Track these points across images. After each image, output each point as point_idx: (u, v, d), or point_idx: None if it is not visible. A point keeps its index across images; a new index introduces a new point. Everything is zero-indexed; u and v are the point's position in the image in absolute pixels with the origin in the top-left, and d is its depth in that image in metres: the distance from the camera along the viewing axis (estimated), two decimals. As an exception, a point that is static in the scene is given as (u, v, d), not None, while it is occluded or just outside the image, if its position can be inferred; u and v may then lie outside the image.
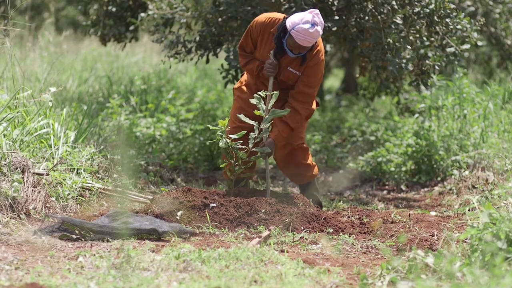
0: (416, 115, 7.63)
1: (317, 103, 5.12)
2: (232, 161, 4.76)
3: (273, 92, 4.69)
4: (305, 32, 4.60)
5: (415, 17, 5.81)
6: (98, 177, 5.25)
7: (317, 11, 4.71)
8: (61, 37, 9.90)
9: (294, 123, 4.90)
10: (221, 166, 4.93)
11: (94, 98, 8.33)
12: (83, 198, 4.83)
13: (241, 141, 4.71)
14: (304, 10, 5.79)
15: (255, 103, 4.66)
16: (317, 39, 4.69)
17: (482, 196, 5.02)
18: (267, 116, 4.70)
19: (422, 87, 6.13)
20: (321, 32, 4.68)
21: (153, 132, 7.24)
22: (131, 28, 7.28)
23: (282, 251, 3.96)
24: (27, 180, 4.48)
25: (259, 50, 4.90)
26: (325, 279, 3.41)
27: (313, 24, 4.64)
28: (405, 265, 3.30)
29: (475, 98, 6.78)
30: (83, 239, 4.03)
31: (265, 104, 4.70)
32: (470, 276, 3.02)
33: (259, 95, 4.67)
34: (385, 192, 6.34)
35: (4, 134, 4.81)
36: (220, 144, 4.66)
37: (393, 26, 5.73)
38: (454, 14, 5.90)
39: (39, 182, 4.55)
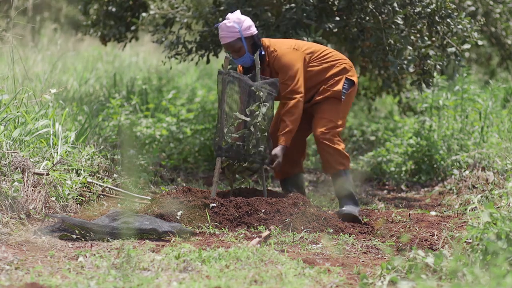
0: (417, 115, 7.63)
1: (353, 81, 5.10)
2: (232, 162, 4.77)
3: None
4: (218, 28, 4.90)
5: (416, 17, 5.80)
6: (98, 177, 5.25)
7: (238, 12, 4.96)
8: (62, 37, 9.90)
9: (289, 117, 4.89)
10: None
11: (95, 98, 8.33)
12: (83, 198, 4.82)
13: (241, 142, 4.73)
14: (305, 10, 5.79)
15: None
16: (227, 32, 4.87)
17: (482, 196, 5.01)
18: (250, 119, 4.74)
19: (424, 86, 6.13)
20: (231, 25, 4.86)
21: (153, 132, 7.24)
22: (132, 28, 7.28)
23: (282, 251, 3.96)
24: (27, 180, 4.48)
25: None
26: (325, 279, 3.41)
27: (225, 19, 4.89)
28: (405, 265, 3.30)
29: (476, 98, 6.78)
30: (83, 239, 4.03)
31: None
32: (470, 276, 3.02)
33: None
34: (385, 192, 6.34)
35: (4, 134, 4.81)
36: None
37: (393, 26, 5.73)
38: (455, 14, 5.90)
39: (39, 182, 4.55)
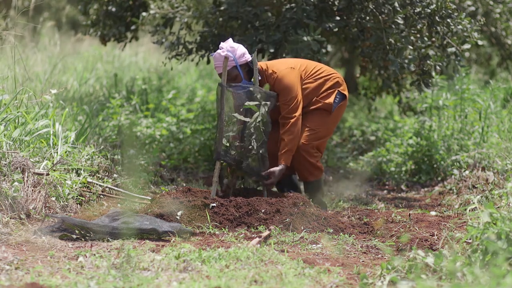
0: (417, 115, 7.63)
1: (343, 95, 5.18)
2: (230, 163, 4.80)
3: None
4: (213, 58, 4.96)
5: (416, 17, 5.80)
6: (98, 177, 5.25)
7: (230, 40, 5.00)
8: (62, 37, 9.90)
9: (288, 135, 4.96)
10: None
11: (95, 98, 8.33)
12: (83, 198, 4.82)
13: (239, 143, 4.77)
14: (305, 10, 5.79)
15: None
16: (219, 62, 4.92)
17: (482, 196, 5.01)
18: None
19: (424, 86, 6.13)
20: (225, 54, 4.89)
21: (153, 132, 7.24)
22: (132, 28, 7.28)
23: (282, 251, 3.96)
24: (27, 180, 4.48)
25: None
26: (325, 279, 3.41)
27: (219, 49, 4.94)
28: (405, 265, 3.30)
29: (476, 98, 6.78)
30: (83, 239, 4.03)
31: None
32: (470, 276, 3.02)
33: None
34: (385, 192, 6.34)
35: (4, 134, 4.81)
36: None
37: (393, 26, 5.73)
38: (455, 14, 5.90)
39: (39, 182, 4.55)
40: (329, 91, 5.15)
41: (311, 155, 5.11)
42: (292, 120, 4.98)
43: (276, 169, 4.93)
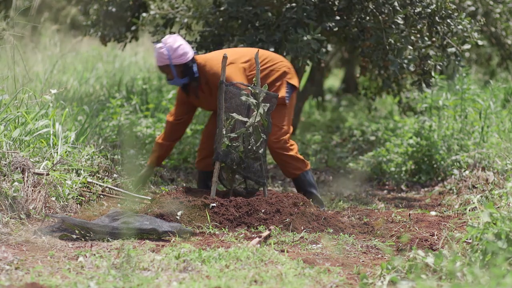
0: (417, 115, 7.63)
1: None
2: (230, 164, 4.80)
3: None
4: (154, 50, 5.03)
5: (417, 17, 5.80)
6: (98, 177, 5.25)
7: (176, 37, 5.04)
8: (62, 37, 9.90)
9: None
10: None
11: (95, 98, 8.33)
12: (83, 198, 4.82)
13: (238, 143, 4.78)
14: (305, 10, 5.79)
15: (244, 99, 4.75)
16: (158, 57, 4.98)
17: (482, 196, 5.01)
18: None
19: (424, 86, 6.13)
20: (162, 52, 4.96)
21: (153, 132, 7.24)
22: (132, 28, 7.28)
23: (282, 251, 3.96)
24: (27, 180, 4.48)
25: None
26: (325, 279, 3.41)
27: (162, 43, 5.00)
28: (405, 265, 3.30)
29: (476, 98, 6.78)
30: (83, 239, 4.03)
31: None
32: (470, 276, 3.02)
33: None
34: (385, 192, 6.34)
35: (4, 134, 4.81)
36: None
37: (394, 26, 5.73)
38: (455, 14, 5.90)
39: (39, 182, 4.55)
40: (277, 84, 5.14)
41: (287, 149, 5.14)
42: None
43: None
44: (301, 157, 5.20)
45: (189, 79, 5.07)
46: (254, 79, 4.97)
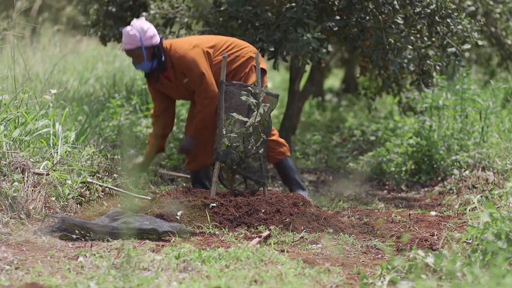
0: (417, 115, 7.63)
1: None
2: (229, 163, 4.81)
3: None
4: (122, 33, 5.05)
5: (416, 17, 5.80)
6: (98, 177, 5.25)
7: (143, 19, 5.08)
8: (62, 37, 9.90)
9: (200, 115, 5.09)
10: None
11: (95, 98, 8.33)
12: (83, 198, 4.83)
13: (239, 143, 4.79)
14: (305, 10, 5.79)
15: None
16: (128, 39, 4.99)
17: (482, 196, 5.01)
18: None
19: (423, 86, 6.13)
20: (133, 34, 4.98)
21: (153, 132, 7.23)
22: (132, 28, 7.27)
23: (282, 251, 3.96)
24: (27, 180, 4.48)
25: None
26: (325, 279, 3.41)
27: (130, 25, 5.03)
28: (405, 265, 3.30)
29: (476, 98, 6.78)
30: (83, 239, 4.03)
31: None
32: (470, 276, 3.02)
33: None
34: (385, 192, 6.34)
35: (4, 134, 4.81)
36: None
37: (393, 26, 5.73)
38: (455, 14, 5.90)
39: (39, 182, 4.55)
40: (245, 71, 5.16)
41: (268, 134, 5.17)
42: (206, 102, 5.03)
43: (182, 142, 5.17)
44: (282, 140, 5.30)
45: (158, 63, 5.10)
46: (255, 79, 4.96)
